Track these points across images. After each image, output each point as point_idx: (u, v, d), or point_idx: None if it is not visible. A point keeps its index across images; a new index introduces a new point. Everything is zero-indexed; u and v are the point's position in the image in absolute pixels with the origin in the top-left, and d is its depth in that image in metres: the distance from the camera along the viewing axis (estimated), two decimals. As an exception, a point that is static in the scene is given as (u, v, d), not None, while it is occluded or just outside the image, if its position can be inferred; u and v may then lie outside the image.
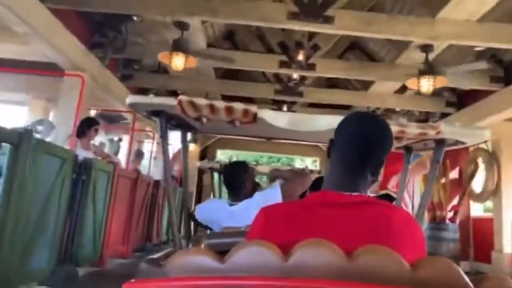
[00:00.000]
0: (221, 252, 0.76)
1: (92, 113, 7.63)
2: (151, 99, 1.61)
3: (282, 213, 0.87)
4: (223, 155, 14.95)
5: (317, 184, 3.07)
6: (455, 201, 6.84)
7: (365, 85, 6.79)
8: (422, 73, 4.49)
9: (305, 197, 0.92)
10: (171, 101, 1.50)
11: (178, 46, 4.53)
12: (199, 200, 9.90)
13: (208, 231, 2.01)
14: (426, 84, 4.44)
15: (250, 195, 2.10)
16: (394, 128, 1.50)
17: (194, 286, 0.62)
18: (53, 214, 2.99)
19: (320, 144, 9.55)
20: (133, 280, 0.65)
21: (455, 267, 0.66)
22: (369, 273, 0.64)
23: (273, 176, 2.90)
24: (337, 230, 0.80)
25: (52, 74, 5.13)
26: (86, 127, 4.22)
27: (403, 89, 6.33)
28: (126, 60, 6.24)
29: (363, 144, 0.89)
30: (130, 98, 1.53)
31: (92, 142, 4.51)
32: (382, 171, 3.26)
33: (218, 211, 2.06)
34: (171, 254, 0.77)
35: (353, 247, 0.68)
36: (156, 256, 0.84)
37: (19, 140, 2.44)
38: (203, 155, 10.08)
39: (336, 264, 0.65)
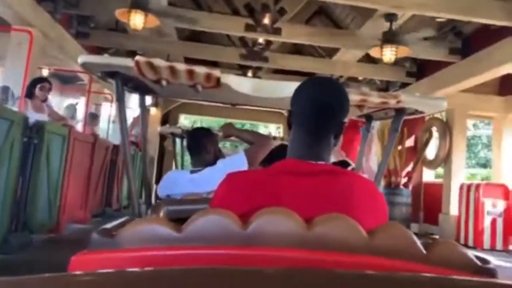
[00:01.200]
0: (182, 219, 0.73)
1: (45, 72, 7.17)
2: (106, 59, 1.50)
3: (246, 181, 0.86)
4: (186, 120, 14.72)
5: (279, 152, 3.07)
6: (409, 168, 7.20)
7: (330, 52, 6.80)
8: (385, 42, 4.54)
9: (270, 166, 0.90)
10: (128, 61, 1.41)
11: (137, 3, 4.26)
12: (161, 166, 9.77)
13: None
14: (389, 53, 4.50)
15: (213, 162, 2.07)
16: (356, 97, 1.51)
17: (148, 256, 0.60)
18: (2, 180, 2.83)
19: (284, 111, 9.60)
20: (83, 252, 0.61)
21: (408, 233, 0.67)
22: (328, 241, 0.64)
23: (227, 134, 2.38)
24: (301, 199, 0.80)
25: (-4, 28, 4.71)
26: (32, 87, 3.97)
27: (366, 58, 6.41)
28: (81, 16, 5.83)
29: (323, 109, 0.88)
30: (83, 58, 1.43)
31: (46, 103, 4.26)
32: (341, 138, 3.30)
33: (179, 181, 2.02)
34: (126, 223, 0.73)
35: (316, 216, 0.68)
36: (109, 225, 0.80)
37: (-40, 99, 2.24)
38: (165, 120, 9.86)
39: (295, 232, 0.64)
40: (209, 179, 1.96)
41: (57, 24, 5.05)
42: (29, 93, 3.99)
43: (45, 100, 4.18)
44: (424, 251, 0.66)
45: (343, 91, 0.92)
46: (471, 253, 0.69)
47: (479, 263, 0.67)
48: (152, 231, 0.63)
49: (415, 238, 0.67)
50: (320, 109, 0.88)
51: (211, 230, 0.63)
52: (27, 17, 4.35)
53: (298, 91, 0.93)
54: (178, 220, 0.95)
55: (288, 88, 1.49)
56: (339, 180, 0.85)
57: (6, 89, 3.85)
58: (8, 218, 2.97)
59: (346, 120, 3.27)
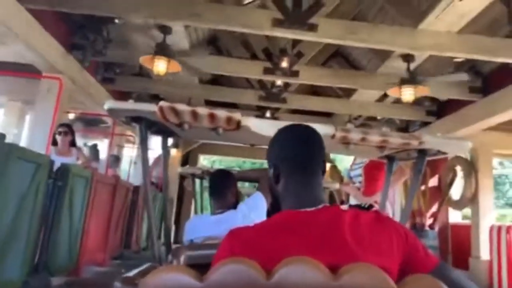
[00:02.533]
0: (202, 265, 0.72)
1: (71, 116, 7.47)
2: (130, 104, 1.55)
3: (248, 237, 0.84)
4: (205, 161, 14.85)
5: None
6: (434, 208, 6.96)
7: (348, 92, 6.86)
8: (403, 82, 4.56)
9: (270, 220, 0.88)
10: (151, 107, 1.45)
11: (161, 50, 4.46)
12: (179, 206, 9.75)
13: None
14: (408, 93, 4.51)
15: (234, 204, 2.07)
16: (377, 138, 1.50)
17: (171, 307, 0.58)
18: (26, 222, 2.87)
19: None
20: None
21: (440, 285, 0.64)
22: (355, 291, 0.62)
23: (238, 178, 2.48)
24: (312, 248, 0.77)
25: (29, 76, 4.98)
26: (54, 135, 4.19)
27: (384, 97, 6.42)
28: (107, 63, 6.12)
29: (312, 149, 0.90)
30: (109, 104, 1.48)
31: (76, 147, 4.42)
32: (364, 180, 3.25)
33: (200, 224, 2.02)
34: (147, 271, 0.72)
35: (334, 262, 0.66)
36: (131, 274, 0.79)
37: (-9, 144, 2.34)
38: (185, 160, 9.96)
39: (320, 282, 0.62)
40: (232, 220, 1.95)
41: (85, 71, 5.31)
42: (53, 140, 4.18)
43: (73, 144, 4.33)
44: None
45: (316, 131, 0.95)
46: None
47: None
48: (174, 280, 0.62)
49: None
50: (309, 150, 0.89)
51: (233, 280, 0.61)
52: (57, 65, 4.61)
53: (279, 142, 0.93)
54: (199, 266, 0.94)
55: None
56: (344, 217, 0.83)
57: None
58: (30, 260, 2.98)
59: (364, 161, 3.21)
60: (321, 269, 0.63)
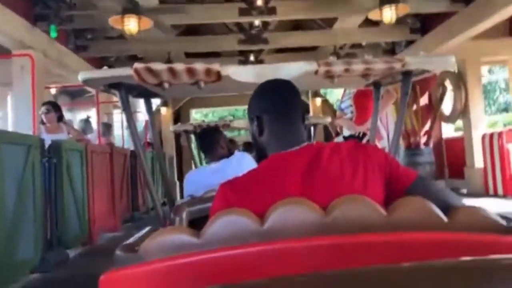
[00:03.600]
0: (205, 218, 0.74)
1: (53, 91, 7.29)
2: (105, 72, 1.50)
3: (241, 187, 0.88)
4: (197, 114, 14.77)
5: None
6: (427, 126, 7.07)
7: (329, 22, 6.65)
8: (383, 2, 4.41)
9: (259, 167, 0.94)
10: (127, 71, 1.41)
11: (129, 8, 4.25)
12: (180, 162, 9.88)
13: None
14: (389, 14, 4.38)
15: (227, 155, 2.13)
16: (360, 66, 1.47)
17: (171, 266, 0.61)
18: (30, 202, 2.92)
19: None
20: (109, 271, 0.63)
21: (427, 204, 0.66)
22: (347, 223, 0.64)
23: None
24: (304, 185, 0.83)
25: (-1, 57, 4.79)
26: (39, 114, 4.13)
27: (367, 22, 6.24)
28: (77, 30, 5.86)
29: (286, 95, 0.99)
30: (83, 74, 1.43)
31: (63, 122, 4.35)
32: (354, 109, 3.26)
33: (199, 177, 2.07)
34: (147, 235, 0.74)
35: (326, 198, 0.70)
36: (132, 240, 0.81)
37: (-25, 133, 2.30)
38: (177, 117, 9.92)
39: (312, 220, 0.64)
40: (227, 167, 2.01)
41: (55, 42, 5.09)
42: (40, 119, 4.13)
43: (60, 119, 4.27)
44: (446, 219, 0.65)
45: (291, 83, 1.03)
46: (495, 214, 0.67)
47: (505, 223, 0.66)
48: (172, 241, 0.64)
49: (434, 207, 0.65)
50: (287, 100, 0.98)
51: (228, 231, 0.63)
52: (25, 41, 4.40)
53: (259, 97, 1.02)
54: (201, 219, 0.96)
55: (289, 68, 1.47)
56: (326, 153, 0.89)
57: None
58: (42, 238, 3.07)
59: (352, 91, 3.20)
60: (311, 207, 0.65)
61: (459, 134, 7.15)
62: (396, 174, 0.89)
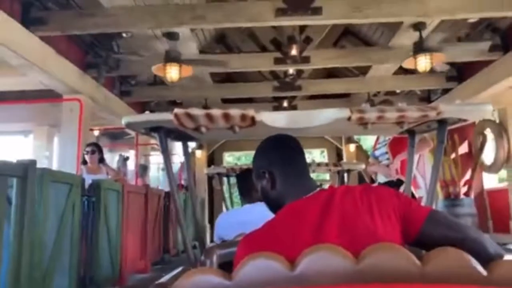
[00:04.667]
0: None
1: (96, 133, 7.69)
2: (146, 116, 1.60)
3: (259, 238, 0.90)
4: (230, 157, 14.96)
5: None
6: (467, 176, 6.78)
7: (363, 70, 6.74)
8: (417, 51, 4.44)
9: (276, 216, 0.96)
10: (167, 116, 1.48)
11: (171, 57, 4.53)
12: (212, 205, 9.91)
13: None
14: (423, 62, 4.39)
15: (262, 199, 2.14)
16: (394, 114, 1.48)
17: (203, 307, 0.61)
18: (67, 240, 3.01)
19: (325, 135, 9.50)
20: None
21: (464, 255, 0.64)
22: (379, 272, 0.63)
23: None
24: (326, 232, 0.84)
25: (51, 101, 5.18)
26: (82, 155, 4.37)
27: (402, 69, 6.28)
28: (122, 77, 6.27)
29: (295, 149, 1.05)
30: (126, 119, 1.52)
31: (103, 163, 4.56)
32: (390, 156, 3.20)
33: (229, 221, 2.08)
34: (179, 275, 0.76)
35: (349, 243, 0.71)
36: (165, 279, 0.83)
37: (24, 172, 2.46)
38: (210, 160, 10.10)
39: (344, 267, 0.64)
40: (258, 210, 2.00)
41: (102, 87, 5.46)
42: (83, 160, 4.36)
43: (101, 161, 4.49)
44: (485, 273, 0.63)
45: (292, 137, 1.10)
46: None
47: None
48: (204, 281, 0.65)
49: (471, 259, 0.63)
50: (295, 152, 1.05)
51: (259, 274, 0.64)
52: (75, 86, 4.76)
53: (267, 153, 1.07)
54: (232, 263, 0.97)
55: (321, 115, 1.49)
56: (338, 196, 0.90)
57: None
58: (76, 275, 3.13)
59: (387, 138, 3.17)
60: (343, 254, 0.65)
61: (503, 185, 6.78)
62: (410, 211, 0.88)
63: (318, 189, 0.96)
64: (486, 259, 0.66)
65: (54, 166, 5.78)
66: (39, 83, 4.67)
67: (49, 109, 6.09)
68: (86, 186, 3.45)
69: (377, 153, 3.67)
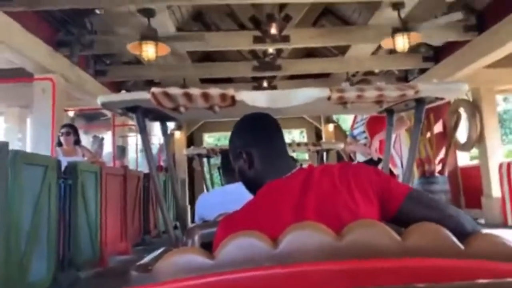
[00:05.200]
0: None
1: (71, 114, 7.47)
2: (123, 96, 1.55)
3: (238, 219, 0.90)
4: (210, 138, 14.89)
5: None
6: (442, 154, 6.99)
7: (342, 50, 6.75)
8: (395, 31, 4.47)
9: (256, 197, 0.95)
10: (144, 95, 1.44)
11: (147, 35, 4.40)
12: (192, 186, 9.90)
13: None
14: (401, 42, 4.43)
15: None
16: (373, 93, 1.48)
17: (185, 286, 0.61)
18: (45, 222, 2.95)
19: (304, 116, 9.55)
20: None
21: (442, 231, 0.66)
22: (360, 248, 0.64)
23: None
24: (303, 211, 0.84)
25: (21, 80, 4.97)
26: (59, 136, 4.22)
27: (379, 49, 6.32)
28: (97, 55, 6.06)
29: (272, 129, 1.04)
30: (102, 98, 1.47)
31: (79, 145, 4.43)
32: (368, 135, 3.24)
33: (210, 201, 2.07)
34: (161, 256, 0.75)
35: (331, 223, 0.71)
36: (146, 260, 0.82)
37: (-4, 153, 2.37)
38: (190, 141, 10.02)
39: (325, 244, 0.64)
40: (240, 192, 2.01)
41: (76, 67, 5.27)
42: (58, 142, 4.22)
43: (77, 142, 4.36)
44: (462, 247, 0.65)
45: (269, 115, 1.10)
46: (512, 242, 0.66)
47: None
48: (186, 261, 0.64)
49: (449, 234, 0.65)
50: (273, 131, 1.04)
51: (242, 253, 0.64)
52: (47, 65, 4.57)
53: (244, 132, 1.06)
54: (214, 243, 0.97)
55: (301, 94, 1.49)
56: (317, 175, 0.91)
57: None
58: (55, 258, 3.09)
59: (365, 117, 3.21)
60: (324, 231, 0.65)
61: (475, 162, 7.03)
62: (389, 189, 0.89)
63: (297, 168, 0.96)
64: (464, 235, 0.68)
65: (28, 149, 5.60)
66: (7, 61, 4.47)
67: (20, 89, 5.84)
68: (62, 168, 3.37)
69: (355, 132, 3.71)
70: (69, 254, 3.30)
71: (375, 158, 3.45)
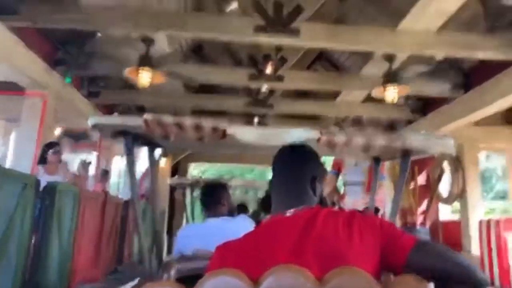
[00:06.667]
0: (192, 277, 0.72)
1: (56, 132, 7.37)
2: (114, 119, 1.55)
3: (235, 248, 0.91)
4: (195, 170, 14.79)
5: (264, 202, 3.12)
6: (424, 206, 7.04)
7: (334, 94, 6.92)
8: (386, 82, 4.62)
9: (254, 230, 0.98)
10: (137, 120, 1.45)
11: (145, 61, 4.45)
12: (171, 218, 9.67)
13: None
14: (392, 93, 4.56)
15: (228, 214, 2.11)
16: (361, 140, 1.51)
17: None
18: (14, 243, 2.82)
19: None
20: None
21: (425, 284, 0.65)
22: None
23: None
24: (292, 245, 0.85)
25: (11, 93, 4.92)
26: (44, 153, 4.09)
27: (370, 98, 6.49)
28: (92, 77, 6.08)
29: (291, 161, 1.06)
30: (93, 119, 1.47)
31: (61, 164, 4.32)
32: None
33: (191, 235, 2.03)
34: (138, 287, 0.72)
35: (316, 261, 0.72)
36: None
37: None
38: (175, 169, 9.91)
39: (307, 290, 0.63)
40: (229, 226, 1.96)
41: (69, 86, 5.27)
42: (42, 159, 4.09)
43: (59, 161, 4.26)
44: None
45: (307, 153, 1.10)
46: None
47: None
48: (161, 297, 0.62)
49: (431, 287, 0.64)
50: (292, 165, 1.05)
51: (221, 292, 0.61)
52: (41, 81, 4.56)
53: (274, 160, 1.10)
54: (189, 279, 0.93)
55: (290, 134, 1.50)
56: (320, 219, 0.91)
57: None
58: (20, 280, 2.93)
59: (364, 166, 3.24)
60: (306, 276, 0.64)
61: (457, 217, 7.08)
62: (394, 242, 0.90)
63: (302, 206, 0.96)
64: (474, 283, 0.67)
65: (8, 164, 5.46)
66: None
67: (7, 102, 5.77)
68: (41, 187, 3.27)
69: (348, 178, 3.68)
70: (35, 277, 3.14)
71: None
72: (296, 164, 1.05)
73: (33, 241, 3.14)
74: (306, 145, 1.12)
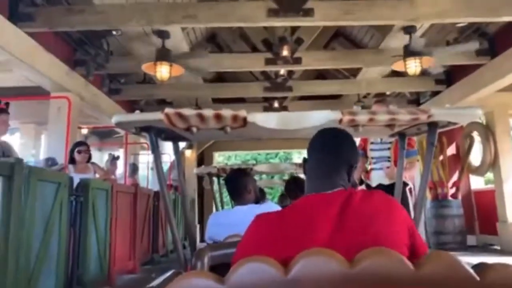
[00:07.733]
0: (226, 264, 0.74)
1: (84, 131, 7.59)
2: (137, 116, 1.58)
3: (273, 221, 0.93)
4: (220, 157, 14.93)
5: (293, 182, 3.09)
6: (455, 177, 6.87)
7: (354, 72, 6.78)
8: (407, 54, 4.48)
9: (292, 205, 0.98)
10: (158, 115, 1.46)
11: (162, 55, 4.49)
12: (201, 205, 9.87)
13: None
14: (413, 66, 4.43)
15: (255, 201, 2.12)
16: (385, 117, 1.48)
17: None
18: (55, 240, 2.97)
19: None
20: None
21: (457, 260, 0.65)
22: (373, 277, 0.63)
23: None
24: (328, 225, 0.86)
25: (37, 98, 5.09)
26: (72, 153, 4.23)
27: (392, 72, 6.32)
28: (112, 75, 6.20)
29: (327, 144, 1.05)
30: (116, 118, 1.50)
31: (91, 162, 4.45)
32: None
33: (220, 221, 2.06)
34: (170, 279, 0.75)
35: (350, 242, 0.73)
36: (156, 283, 0.82)
37: (11, 170, 2.41)
38: (200, 159, 10.06)
39: (338, 272, 0.63)
40: (251, 214, 1.98)
41: (91, 85, 5.39)
42: (71, 159, 4.23)
43: (89, 160, 4.39)
44: (478, 278, 0.63)
45: (345, 139, 1.09)
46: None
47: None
48: (196, 286, 0.64)
49: (465, 265, 0.64)
50: (328, 147, 1.05)
51: (252, 278, 0.63)
52: (64, 84, 4.69)
53: (310, 142, 1.10)
54: (223, 266, 0.96)
55: (311, 117, 1.49)
56: (358, 200, 0.92)
57: (50, 159, 4.16)
58: (63, 276, 3.08)
59: (389, 141, 3.17)
60: (336, 258, 0.65)
61: (490, 186, 6.89)
62: (414, 241, 0.91)
63: (338, 188, 0.97)
64: None
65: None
66: (25, 80, 4.59)
67: (36, 106, 5.98)
68: (74, 185, 3.40)
69: (374, 154, 3.63)
70: (77, 272, 3.29)
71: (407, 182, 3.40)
72: (335, 148, 1.05)
73: (72, 236, 3.29)
74: (343, 130, 1.11)
